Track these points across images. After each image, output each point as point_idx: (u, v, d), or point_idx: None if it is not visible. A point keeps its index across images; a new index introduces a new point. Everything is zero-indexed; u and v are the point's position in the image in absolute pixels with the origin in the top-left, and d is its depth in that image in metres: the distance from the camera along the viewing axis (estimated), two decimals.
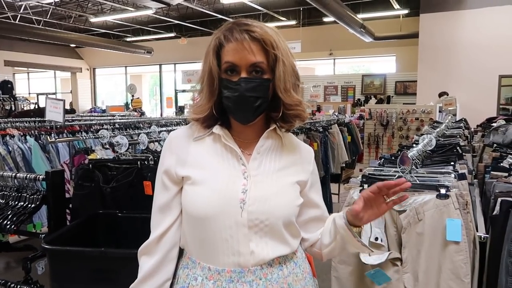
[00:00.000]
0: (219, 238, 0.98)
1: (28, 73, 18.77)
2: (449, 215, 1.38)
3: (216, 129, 1.03)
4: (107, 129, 4.19)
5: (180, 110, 12.64)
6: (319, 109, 9.74)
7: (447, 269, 1.38)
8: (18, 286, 2.14)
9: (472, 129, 5.04)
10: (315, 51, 12.87)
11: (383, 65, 13.93)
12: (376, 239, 1.44)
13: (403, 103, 9.63)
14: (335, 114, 7.44)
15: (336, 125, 5.13)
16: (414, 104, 8.71)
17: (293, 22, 11.62)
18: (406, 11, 10.39)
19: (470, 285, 1.38)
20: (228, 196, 0.98)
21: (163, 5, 7.99)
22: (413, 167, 1.65)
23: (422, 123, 7.15)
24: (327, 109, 9.51)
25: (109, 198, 2.11)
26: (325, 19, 10.98)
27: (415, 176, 1.55)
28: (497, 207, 1.40)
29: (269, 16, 11.51)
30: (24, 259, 2.00)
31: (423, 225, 1.42)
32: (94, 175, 2.18)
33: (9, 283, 2.18)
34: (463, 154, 2.40)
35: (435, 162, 2.04)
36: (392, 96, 12.19)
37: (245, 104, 0.97)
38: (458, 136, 3.27)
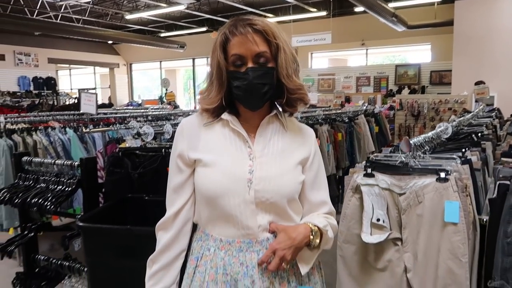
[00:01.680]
0: (230, 214, 1.09)
1: (69, 69, 19.70)
2: (448, 197, 1.44)
3: (225, 115, 1.13)
4: (139, 121, 4.43)
5: None
6: (348, 100, 9.66)
7: (445, 249, 1.44)
8: (59, 262, 2.38)
9: (505, 118, 4.91)
10: (346, 41, 12.72)
11: (418, 54, 13.55)
12: (378, 220, 1.52)
13: (438, 93, 9.39)
14: (364, 105, 7.39)
15: (362, 115, 5.13)
16: (449, 94, 8.49)
17: (324, 13, 11.51)
18: None
19: (468, 265, 1.43)
20: (236, 177, 1.08)
21: (193, 1, 8.17)
22: (419, 153, 1.71)
23: (455, 113, 6.98)
24: (357, 100, 9.42)
25: (137, 183, 2.28)
26: (357, 9, 10.82)
27: (418, 161, 1.61)
28: (496, 190, 1.44)
29: (300, 8, 11.47)
30: (63, 236, 2.22)
31: (422, 207, 1.48)
32: (124, 162, 2.36)
33: (51, 259, 2.43)
34: (482, 142, 2.40)
35: (448, 149, 2.07)
36: (427, 86, 11.85)
37: (254, 91, 1.07)
38: (484, 125, 3.23)
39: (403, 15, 10.08)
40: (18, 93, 10.98)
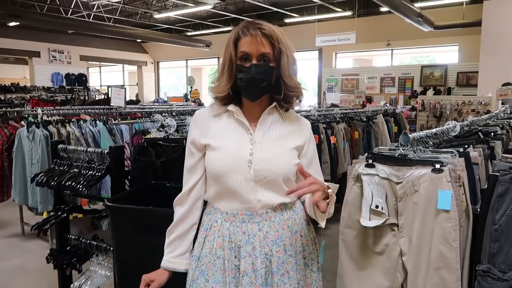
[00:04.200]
0: (234, 190, 1.26)
1: (100, 67, 20.39)
2: (441, 187, 1.55)
3: (231, 107, 1.31)
4: (164, 116, 4.65)
5: None
6: (370, 100, 9.66)
7: (437, 235, 1.55)
8: (88, 241, 2.61)
9: None
10: (371, 42, 12.67)
11: (447, 55, 13.32)
12: (377, 206, 1.65)
13: (463, 95, 9.26)
14: (386, 105, 7.41)
15: (381, 115, 5.19)
16: (475, 96, 8.36)
17: (349, 13, 11.52)
18: None
19: (459, 250, 1.54)
20: (238, 158, 1.26)
21: (219, 0, 8.38)
22: (420, 147, 1.82)
23: (479, 115, 6.91)
24: (379, 100, 9.41)
25: (159, 170, 2.48)
26: (382, 9, 10.77)
27: (417, 154, 1.73)
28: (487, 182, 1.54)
29: (325, 8, 11.52)
30: (92, 217, 2.45)
31: (418, 196, 1.60)
32: (148, 152, 2.56)
33: (81, 239, 2.66)
34: (491, 140, 2.47)
35: (453, 145, 2.16)
36: (453, 88, 11.68)
37: (254, 84, 1.23)
38: (500, 125, 3.26)
39: (430, 15, 9.97)
40: (52, 88, 11.50)
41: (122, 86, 3.90)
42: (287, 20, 12.70)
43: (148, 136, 2.86)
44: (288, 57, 1.25)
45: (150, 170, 2.53)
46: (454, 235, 1.52)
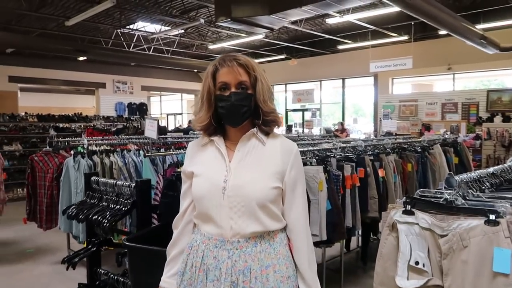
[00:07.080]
0: (209, 214, 1.31)
1: (160, 96, 21.41)
2: (498, 243, 1.26)
3: (214, 136, 1.37)
4: None
5: (288, 128, 12.98)
6: (428, 128, 9.04)
7: None
8: (116, 277, 2.54)
9: None
10: (430, 66, 12.04)
11: None
12: (417, 263, 1.38)
13: None
14: (446, 134, 6.85)
15: (438, 145, 4.75)
16: None
17: (405, 38, 11.09)
18: None
19: None
20: (213, 184, 1.31)
21: (268, 31, 8.43)
22: (472, 190, 1.54)
23: None
24: (438, 128, 8.78)
25: None
26: (441, 32, 10.22)
27: (468, 200, 1.44)
28: None
29: (379, 33, 11.19)
30: (117, 253, 2.37)
31: (468, 253, 1.31)
32: (177, 186, 2.47)
33: (110, 274, 2.60)
34: None
35: None
36: None
37: (235, 110, 1.30)
38: None
39: (495, 36, 9.26)
40: (111, 117, 12.16)
41: (155, 118, 3.93)
42: (340, 47, 12.51)
43: (180, 169, 2.78)
44: (263, 84, 1.33)
45: (178, 205, 2.43)
46: None
